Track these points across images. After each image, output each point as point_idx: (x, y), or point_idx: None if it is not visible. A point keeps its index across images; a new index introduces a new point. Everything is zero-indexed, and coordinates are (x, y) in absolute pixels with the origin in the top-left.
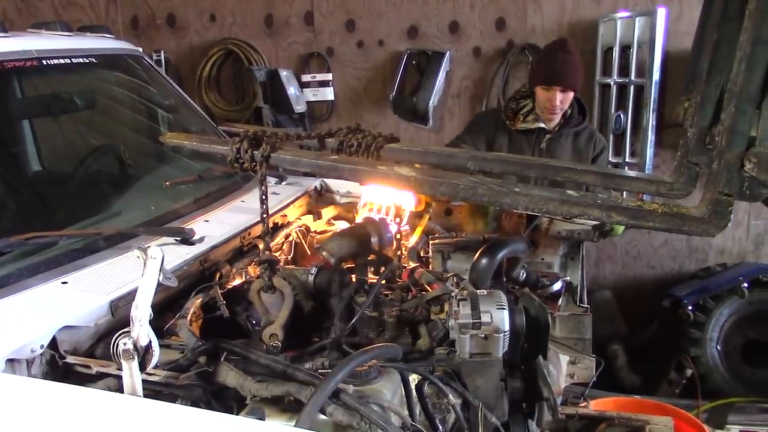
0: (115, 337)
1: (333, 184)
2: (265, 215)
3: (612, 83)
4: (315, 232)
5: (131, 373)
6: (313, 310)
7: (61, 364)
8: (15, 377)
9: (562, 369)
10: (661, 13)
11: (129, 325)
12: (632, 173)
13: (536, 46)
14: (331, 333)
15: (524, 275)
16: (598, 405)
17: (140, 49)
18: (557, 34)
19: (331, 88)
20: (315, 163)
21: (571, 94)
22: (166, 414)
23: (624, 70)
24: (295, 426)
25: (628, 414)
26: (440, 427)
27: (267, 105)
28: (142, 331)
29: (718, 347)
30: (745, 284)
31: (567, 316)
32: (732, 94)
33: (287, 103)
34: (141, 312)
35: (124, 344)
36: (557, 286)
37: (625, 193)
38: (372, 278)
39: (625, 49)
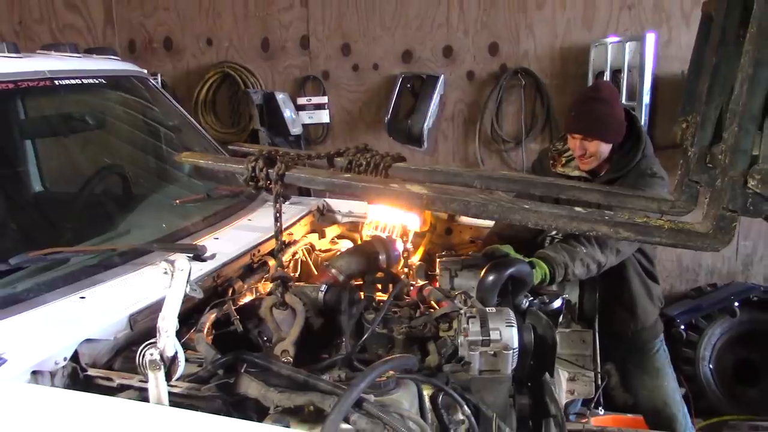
0: (141, 347)
1: (335, 204)
2: (279, 232)
3: None
4: (320, 250)
5: (157, 384)
6: (323, 327)
7: (81, 376)
8: (47, 388)
9: (563, 385)
10: (650, 38)
11: (147, 339)
12: (635, 192)
13: (529, 70)
14: (341, 350)
15: (527, 304)
16: (597, 422)
17: (145, 71)
18: (549, 58)
19: (327, 111)
20: (330, 181)
21: (600, 143)
22: (196, 423)
23: None
24: None
25: (627, 429)
26: None
27: (264, 127)
28: (168, 341)
29: (711, 366)
30: (736, 303)
31: (569, 333)
32: (735, 114)
33: (284, 126)
34: (168, 323)
35: (151, 355)
36: (557, 303)
37: None
38: (380, 296)
39: (616, 72)
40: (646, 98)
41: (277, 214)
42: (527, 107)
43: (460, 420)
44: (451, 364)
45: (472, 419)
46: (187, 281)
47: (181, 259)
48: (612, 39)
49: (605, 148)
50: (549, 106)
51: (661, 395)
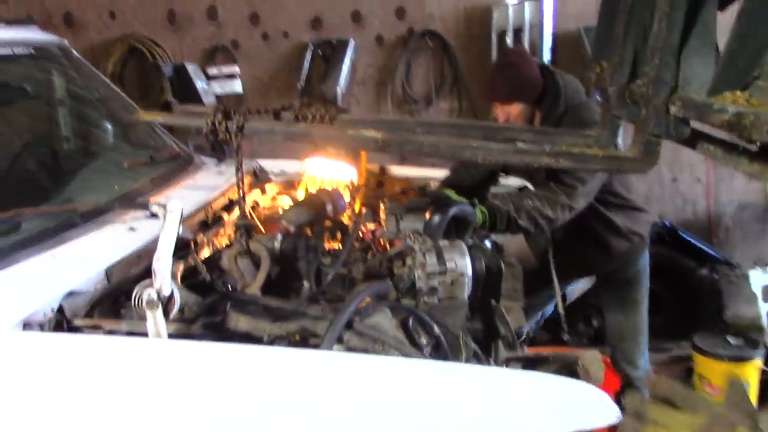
0: (136, 289)
1: (267, 165)
2: (240, 182)
3: None
4: (263, 207)
5: (156, 322)
6: (280, 275)
7: (66, 328)
8: (56, 334)
9: None
10: None
11: (124, 290)
12: (564, 130)
13: (435, 32)
14: (301, 294)
15: (471, 243)
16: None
17: (65, 41)
18: (454, 19)
19: (239, 81)
20: (289, 130)
21: (517, 105)
22: (206, 351)
23: None
24: None
25: (559, 353)
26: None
27: (176, 99)
28: (165, 281)
29: None
30: None
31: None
32: (654, 50)
33: (197, 97)
34: (163, 263)
35: (148, 295)
36: (486, 244)
37: None
38: (329, 244)
39: (518, 32)
40: (548, 55)
41: (239, 166)
42: (435, 68)
43: (426, 343)
44: (408, 298)
45: (442, 338)
46: (180, 222)
47: (173, 201)
48: None
49: (525, 110)
50: (456, 66)
51: (630, 326)
